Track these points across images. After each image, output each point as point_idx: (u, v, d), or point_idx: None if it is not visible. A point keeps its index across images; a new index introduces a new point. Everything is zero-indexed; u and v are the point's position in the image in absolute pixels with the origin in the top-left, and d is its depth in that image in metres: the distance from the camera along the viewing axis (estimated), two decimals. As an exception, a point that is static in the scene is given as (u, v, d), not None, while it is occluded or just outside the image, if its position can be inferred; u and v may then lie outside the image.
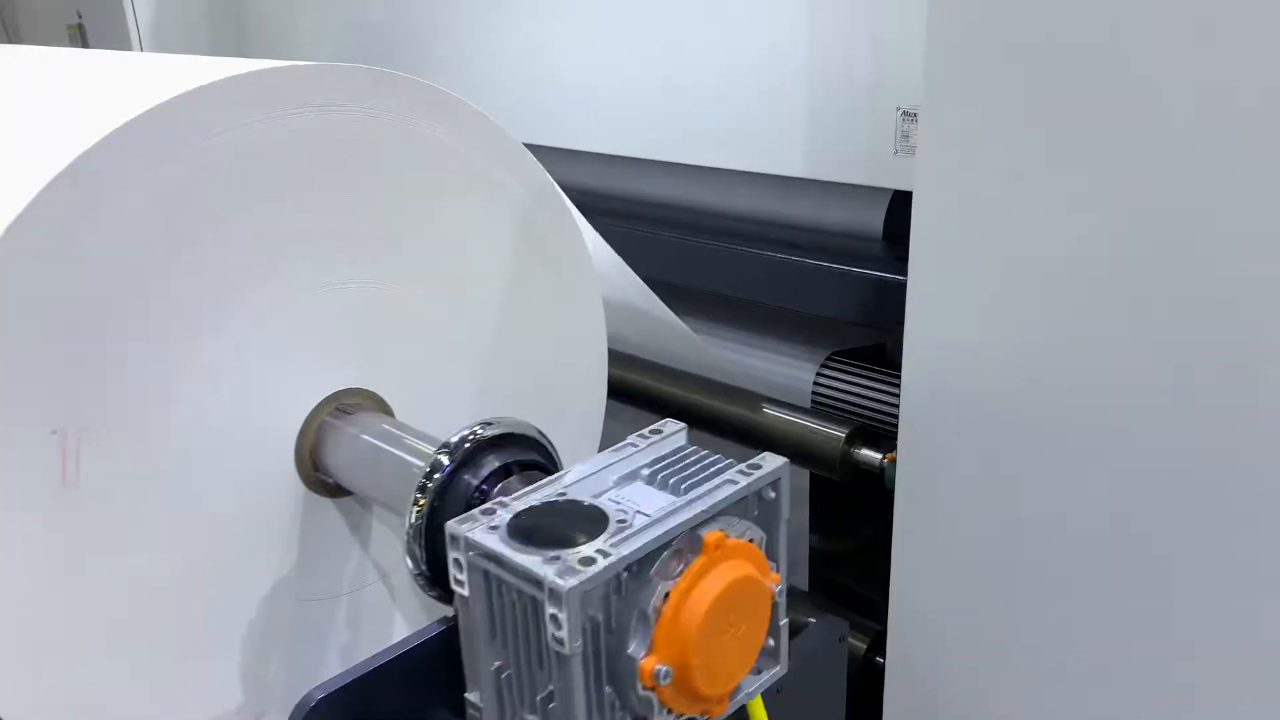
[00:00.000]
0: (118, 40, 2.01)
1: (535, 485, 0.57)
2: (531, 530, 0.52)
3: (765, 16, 1.18)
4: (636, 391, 1.31)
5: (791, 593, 1.39)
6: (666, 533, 0.52)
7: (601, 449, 1.10)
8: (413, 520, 0.66)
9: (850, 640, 1.24)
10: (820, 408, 1.26)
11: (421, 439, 0.75)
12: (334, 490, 0.81)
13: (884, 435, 1.13)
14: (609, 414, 1.22)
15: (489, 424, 0.70)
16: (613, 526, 0.52)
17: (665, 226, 1.39)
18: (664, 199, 1.37)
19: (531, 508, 0.54)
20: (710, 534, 0.53)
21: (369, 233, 0.81)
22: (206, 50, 2.01)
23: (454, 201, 0.86)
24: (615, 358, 1.35)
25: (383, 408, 0.83)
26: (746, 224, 1.30)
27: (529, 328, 0.93)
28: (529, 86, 1.45)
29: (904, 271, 0.91)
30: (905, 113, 1.07)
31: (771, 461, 0.58)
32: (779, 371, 1.31)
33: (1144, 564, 0.81)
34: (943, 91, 0.83)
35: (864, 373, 1.24)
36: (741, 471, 0.57)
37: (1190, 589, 0.79)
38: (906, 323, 0.92)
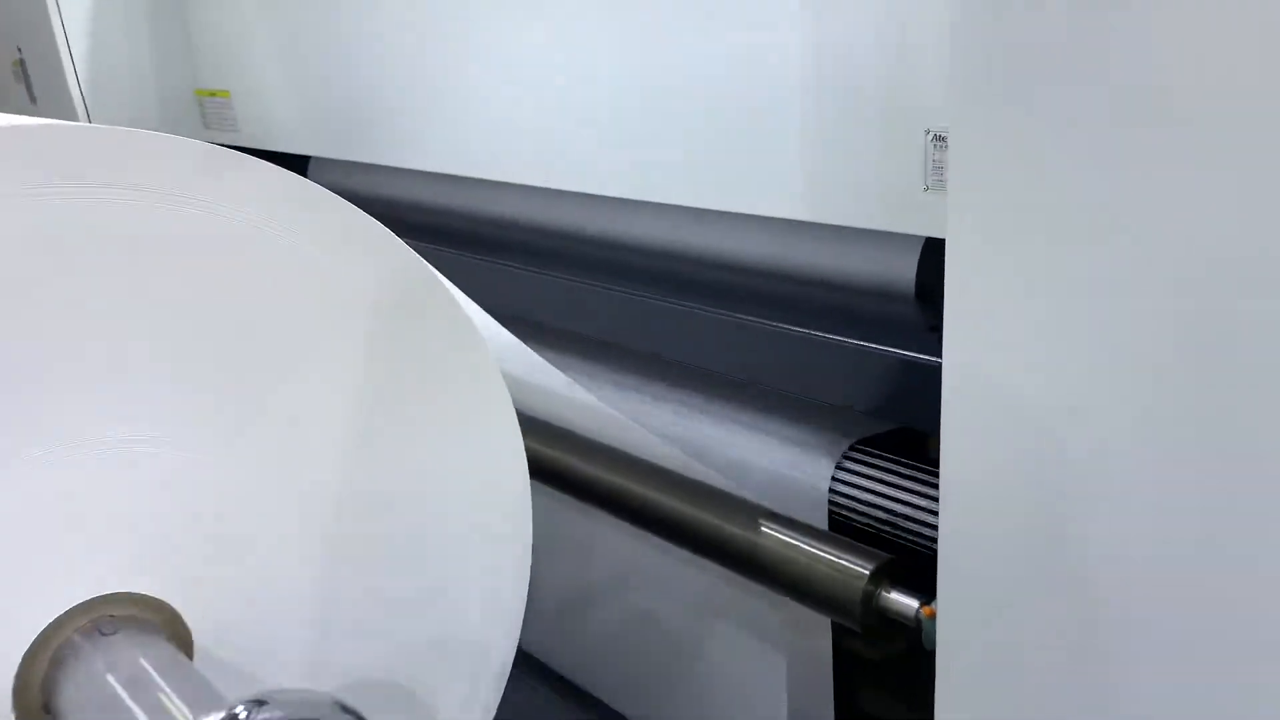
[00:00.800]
0: (55, 80, 1.83)
1: None
2: None
3: (755, 15, 0.90)
4: (605, 494, 1.03)
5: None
6: None
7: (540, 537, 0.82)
8: None
9: None
10: (840, 517, 0.97)
11: (198, 692, 0.49)
12: (74, 744, 0.54)
13: (927, 564, 0.84)
14: (574, 508, 0.94)
15: (260, 703, 0.43)
16: None
17: (642, 283, 1.12)
18: (637, 245, 1.09)
19: None
20: None
21: (161, 367, 0.55)
22: (154, 93, 1.81)
23: (285, 317, 0.59)
24: (579, 445, 1.08)
25: (173, 625, 0.57)
26: (742, 279, 1.03)
27: (405, 499, 0.65)
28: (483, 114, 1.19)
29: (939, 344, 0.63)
30: (937, 137, 0.79)
31: None
32: (786, 465, 1.02)
33: None
34: (975, 105, 0.55)
35: (899, 470, 0.96)
36: None
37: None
38: (943, 419, 0.64)
